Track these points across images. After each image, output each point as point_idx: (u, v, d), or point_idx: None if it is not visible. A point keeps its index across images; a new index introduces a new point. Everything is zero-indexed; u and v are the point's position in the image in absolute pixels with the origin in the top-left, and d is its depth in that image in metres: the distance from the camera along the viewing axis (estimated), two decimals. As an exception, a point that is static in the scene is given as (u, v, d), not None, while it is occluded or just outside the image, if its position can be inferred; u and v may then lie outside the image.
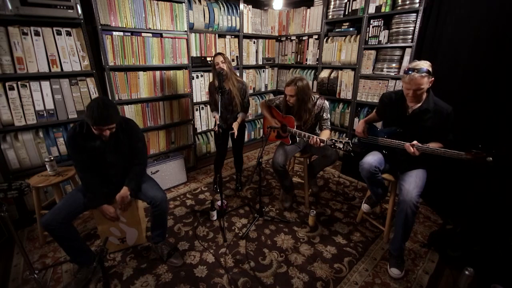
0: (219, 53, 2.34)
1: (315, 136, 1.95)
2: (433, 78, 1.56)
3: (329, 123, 2.22)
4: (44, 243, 1.97)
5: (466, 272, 1.45)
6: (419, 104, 1.65)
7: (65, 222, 1.53)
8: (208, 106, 3.15)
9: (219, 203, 2.21)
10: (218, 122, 2.06)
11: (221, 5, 3.08)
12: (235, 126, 2.36)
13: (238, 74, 2.62)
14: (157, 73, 2.62)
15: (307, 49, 3.51)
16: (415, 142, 1.59)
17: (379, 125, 2.01)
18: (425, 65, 1.54)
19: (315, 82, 3.45)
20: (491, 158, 1.37)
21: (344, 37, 3.06)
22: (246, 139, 3.91)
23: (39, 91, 2.04)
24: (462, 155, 1.45)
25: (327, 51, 3.24)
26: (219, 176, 2.74)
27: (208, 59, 3.00)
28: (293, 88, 2.03)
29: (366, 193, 2.15)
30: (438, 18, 2.27)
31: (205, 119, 3.28)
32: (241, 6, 3.25)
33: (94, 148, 1.61)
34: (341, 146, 1.78)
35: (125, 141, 1.69)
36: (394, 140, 1.73)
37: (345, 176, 3.04)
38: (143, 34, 2.45)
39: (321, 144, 1.91)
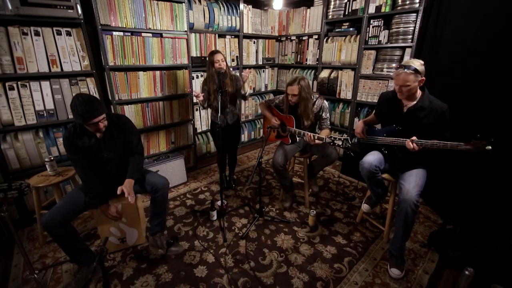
0: (218, 51, 2.29)
1: (310, 133, 1.96)
2: (423, 78, 1.58)
3: (328, 122, 2.22)
4: (44, 243, 1.97)
5: (466, 272, 1.45)
6: (414, 102, 1.67)
7: (64, 222, 1.53)
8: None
9: (219, 203, 2.21)
10: (202, 103, 2.25)
11: (221, 5, 3.08)
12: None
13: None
14: (157, 73, 2.62)
15: (307, 49, 3.51)
16: (414, 137, 1.60)
17: (378, 127, 2.01)
18: (415, 63, 1.57)
19: (315, 82, 3.45)
20: (490, 147, 1.37)
21: (344, 37, 3.06)
22: (246, 139, 3.92)
23: (39, 91, 2.04)
24: (461, 145, 1.45)
25: (327, 51, 3.24)
26: (225, 174, 2.77)
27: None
28: (297, 87, 2.03)
29: (366, 193, 2.15)
30: (438, 18, 2.27)
31: (205, 119, 3.29)
32: (241, 6, 3.25)
33: (90, 146, 1.61)
34: (340, 143, 1.79)
35: (119, 137, 1.69)
36: (393, 138, 1.73)
37: (345, 176, 3.04)
38: (143, 34, 2.45)
39: (316, 141, 1.92)
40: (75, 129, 1.59)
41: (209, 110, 2.90)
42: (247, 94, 2.45)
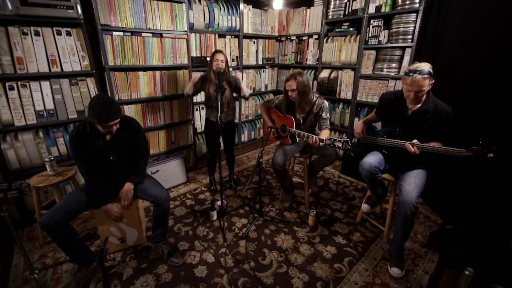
0: (220, 51, 2.31)
1: (314, 136, 1.94)
2: (433, 80, 1.57)
3: (328, 122, 2.22)
4: (44, 243, 1.97)
5: (466, 272, 1.45)
6: (419, 105, 1.65)
7: (63, 223, 1.53)
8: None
9: (219, 203, 2.21)
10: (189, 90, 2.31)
11: (221, 5, 3.08)
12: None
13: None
14: (157, 73, 2.62)
15: (307, 49, 3.51)
16: (415, 141, 1.60)
17: (378, 125, 2.01)
18: (426, 67, 1.54)
19: (315, 82, 3.45)
20: (492, 155, 1.37)
21: (344, 37, 3.06)
22: (246, 139, 3.92)
23: (39, 91, 2.04)
24: (462, 152, 1.45)
25: (327, 51, 3.24)
26: (214, 177, 2.76)
27: (208, 59, 3.00)
28: (294, 82, 2.04)
29: (366, 193, 2.15)
30: (438, 18, 2.27)
31: (205, 119, 3.28)
32: (241, 6, 3.25)
33: (97, 147, 1.63)
34: (340, 145, 1.79)
35: (127, 140, 1.71)
36: (394, 140, 1.73)
37: (345, 176, 3.04)
38: (143, 34, 2.45)
39: (321, 143, 1.91)
40: (84, 128, 1.59)
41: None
42: (247, 95, 2.45)
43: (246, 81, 3.61)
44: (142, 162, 1.82)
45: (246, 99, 2.52)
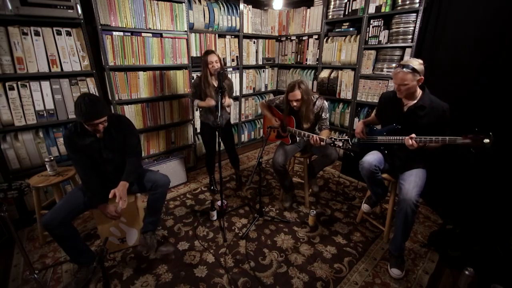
0: (211, 51, 2.25)
1: (315, 135, 1.94)
2: (421, 77, 1.59)
3: (328, 123, 2.22)
4: (44, 243, 1.97)
5: (466, 272, 1.45)
6: (415, 101, 1.67)
7: (65, 222, 1.53)
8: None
9: (219, 203, 2.21)
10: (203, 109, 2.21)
11: (221, 5, 3.08)
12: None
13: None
14: (157, 73, 2.62)
15: (307, 49, 3.51)
16: (413, 135, 1.60)
17: (378, 127, 2.02)
18: (414, 62, 1.58)
19: (315, 82, 3.45)
20: (488, 140, 1.36)
21: (344, 37, 3.06)
22: (246, 139, 3.92)
23: (39, 91, 2.04)
24: (459, 139, 1.45)
25: (327, 51, 3.24)
26: (214, 177, 2.76)
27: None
28: (299, 92, 2.01)
29: (366, 193, 2.15)
30: (438, 18, 2.27)
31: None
32: (241, 6, 3.25)
33: (90, 146, 1.63)
34: (341, 144, 1.79)
35: (118, 137, 1.70)
36: (393, 137, 1.73)
37: (345, 176, 3.04)
38: (143, 34, 2.45)
39: (321, 143, 1.91)
40: (75, 128, 1.60)
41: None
42: (224, 104, 2.31)
43: (246, 81, 3.62)
44: (134, 159, 1.76)
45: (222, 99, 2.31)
